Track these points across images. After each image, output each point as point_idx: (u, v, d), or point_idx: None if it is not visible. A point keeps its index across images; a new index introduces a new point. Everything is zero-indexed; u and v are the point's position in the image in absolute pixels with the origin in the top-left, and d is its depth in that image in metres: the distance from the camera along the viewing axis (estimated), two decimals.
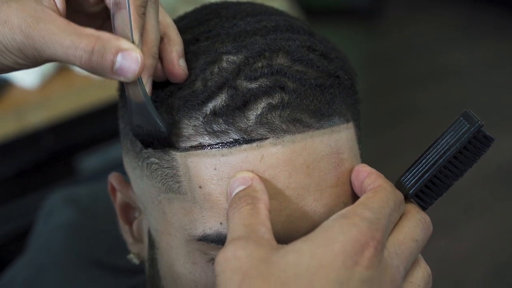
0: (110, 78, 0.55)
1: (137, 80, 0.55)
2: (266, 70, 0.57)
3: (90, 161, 1.65)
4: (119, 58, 0.53)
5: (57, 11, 0.54)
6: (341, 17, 3.94)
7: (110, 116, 1.53)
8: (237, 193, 0.55)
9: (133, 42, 0.54)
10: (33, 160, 1.58)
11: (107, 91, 1.54)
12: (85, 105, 1.55)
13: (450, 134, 0.56)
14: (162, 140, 0.57)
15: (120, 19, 0.55)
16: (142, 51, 0.55)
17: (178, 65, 0.58)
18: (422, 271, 0.55)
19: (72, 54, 0.52)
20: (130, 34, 0.54)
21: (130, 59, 0.53)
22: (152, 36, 0.57)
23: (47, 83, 1.54)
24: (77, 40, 0.52)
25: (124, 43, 0.54)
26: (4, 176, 1.55)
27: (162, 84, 0.60)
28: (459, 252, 2.43)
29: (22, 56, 0.54)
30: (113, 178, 0.71)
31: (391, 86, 3.42)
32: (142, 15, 0.56)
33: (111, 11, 0.55)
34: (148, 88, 0.57)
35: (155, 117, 0.56)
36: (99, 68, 0.53)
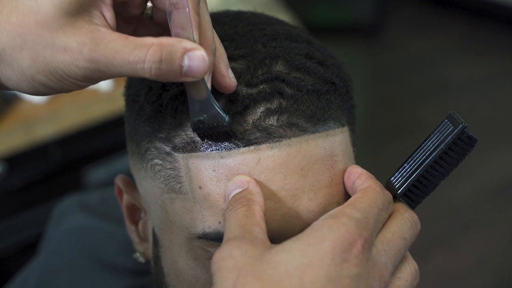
0: (178, 81, 0.54)
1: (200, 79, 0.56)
2: (265, 77, 0.59)
3: (97, 174, 1.66)
4: (186, 60, 0.53)
5: (109, 26, 0.53)
6: (343, 34, 3.93)
7: (116, 129, 1.56)
8: (234, 196, 0.57)
9: (194, 41, 0.54)
10: (41, 172, 1.58)
11: (113, 105, 1.56)
12: (92, 119, 1.56)
13: (436, 135, 0.58)
14: (225, 133, 0.58)
15: (178, 19, 0.54)
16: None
17: (228, 77, 0.59)
18: (409, 267, 0.57)
19: (141, 68, 0.51)
20: (191, 33, 0.54)
21: (197, 58, 0.53)
22: (209, 32, 0.57)
23: (54, 97, 1.54)
24: (142, 53, 0.51)
25: (187, 44, 0.53)
26: (13, 188, 1.56)
27: (167, 86, 0.62)
28: (459, 267, 2.42)
29: (85, 80, 0.53)
30: (119, 180, 0.73)
31: (393, 101, 3.42)
32: (199, 12, 0.55)
33: (168, 13, 0.55)
34: (209, 84, 0.57)
35: (220, 111, 0.57)
36: (169, 75, 0.53)
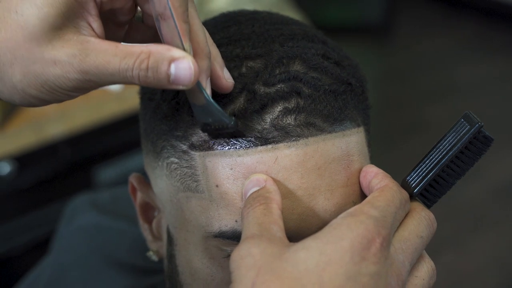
0: (168, 89, 0.55)
1: (196, 85, 0.55)
2: (283, 76, 0.60)
3: (107, 173, 1.67)
4: (172, 69, 0.52)
5: (97, 36, 0.53)
6: (353, 34, 3.94)
7: (126, 128, 1.56)
8: (251, 194, 0.57)
9: (184, 49, 0.54)
10: (51, 171, 1.59)
11: (123, 104, 1.55)
12: (103, 118, 1.56)
13: (452, 135, 0.58)
14: (231, 134, 0.59)
15: (167, 29, 0.54)
16: (195, 53, 0.55)
17: (224, 78, 0.59)
18: (427, 266, 0.57)
19: (130, 76, 0.52)
20: (180, 42, 0.54)
21: (183, 67, 0.52)
22: (201, 36, 0.57)
23: None
24: (130, 61, 0.51)
25: (175, 52, 0.53)
26: (23, 187, 1.57)
27: None
28: (468, 267, 2.43)
29: (77, 91, 0.53)
30: (133, 178, 0.73)
31: (404, 101, 3.43)
32: (187, 20, 0.54)
33: (156, 22, 0.55)
34: (208, 89, 0.57)
35: (221, 116, 0.57)
36: (157, 82, 0.53)
